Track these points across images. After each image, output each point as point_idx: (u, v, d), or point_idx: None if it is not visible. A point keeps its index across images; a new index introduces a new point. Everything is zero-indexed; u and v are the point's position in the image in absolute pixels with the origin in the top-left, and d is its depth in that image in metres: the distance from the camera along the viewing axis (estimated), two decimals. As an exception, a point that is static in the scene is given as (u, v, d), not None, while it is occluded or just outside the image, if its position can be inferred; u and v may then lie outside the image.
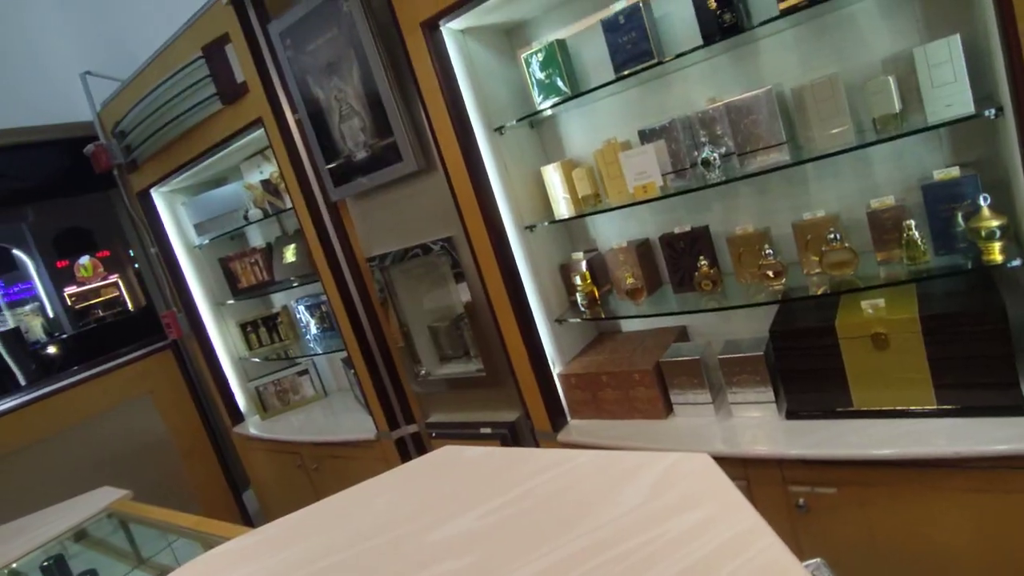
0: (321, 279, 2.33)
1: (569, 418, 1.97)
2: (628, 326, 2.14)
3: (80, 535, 1.85)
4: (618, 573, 0.64)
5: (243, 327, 3.10)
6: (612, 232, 2.05)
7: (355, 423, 2.60)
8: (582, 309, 1.91)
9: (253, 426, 3.06)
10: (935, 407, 1.38)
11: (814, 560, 0.69)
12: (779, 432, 1.54)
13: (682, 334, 1.99)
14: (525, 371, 1.92)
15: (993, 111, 1.23)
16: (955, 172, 1.38)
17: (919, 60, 1.31)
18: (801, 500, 1.47)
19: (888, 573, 1.41)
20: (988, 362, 1.31)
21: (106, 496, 1.96)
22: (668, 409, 1.80)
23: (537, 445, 1.99)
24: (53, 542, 1.76)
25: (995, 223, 1.28)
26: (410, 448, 2.40)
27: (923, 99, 1.32)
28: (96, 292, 5.81)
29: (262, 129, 2.22)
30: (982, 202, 1.29)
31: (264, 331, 3.11)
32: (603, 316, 1.93)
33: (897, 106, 1.38)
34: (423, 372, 2.29)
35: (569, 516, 0.77)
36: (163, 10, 2.77)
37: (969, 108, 1.28)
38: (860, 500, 1.40)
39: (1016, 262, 1.26)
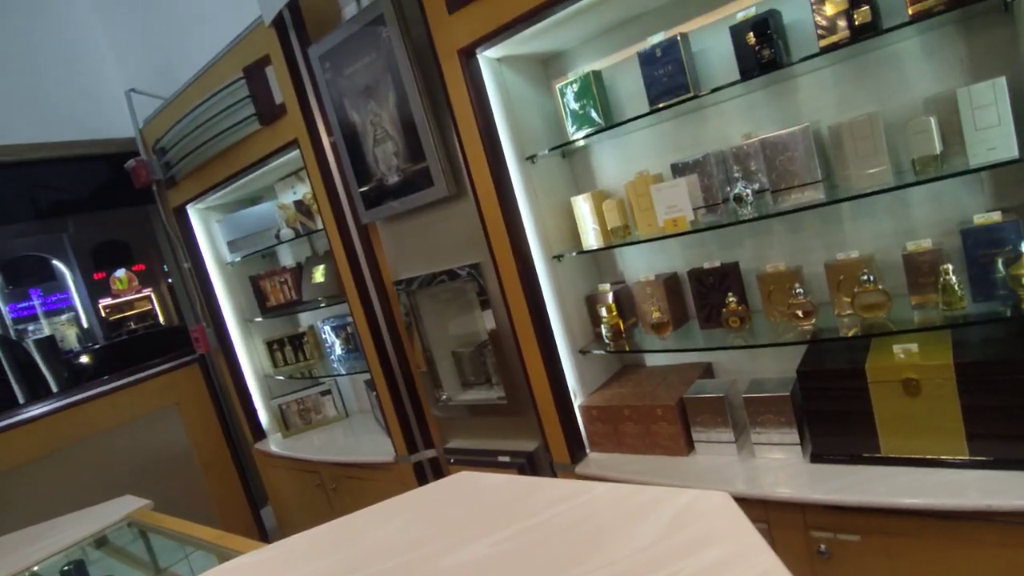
0: (348, 300, 2.36)
1: (588, 450, 1.93)
2: (652, 360, 2.11)
3: (101, 542, 1.87)
4: (638, 614, 0.62)
5: (269, 345, 3.15)
6: (640, 265, 2.04)
7: (375, 445, 2.59)
8: (606, 341, 1.90)
9: (274, 443, 3.08)
10: (967, 458, 1.33)
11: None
12: (803, 475, 1.49)
13: (707, 371, 1.95)
14: (546, 401, 1.90)
15: (1039, 157, 1.20)
16: (996, 217, 1.34)
17: (962, 101, 1.30)
18: (823, 546, 1.42)
19: (924, 634, 1.33)
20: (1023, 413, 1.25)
21: (127, 505, 1.98)
22: (690, 446, 1.75)
23: (555, 476, 1.95)
24: (74, 547, 1.78)
25: (1038, 271, 1.24)
26: (427, 473, 2.38)
27: (965, 141, 1.30)
28: (130, 305, 5.99)
29: (297, 150, 2.30)
30: (1025, 248, 1.25)
31: (290, 350, 3.15)
32: (627, 349, 1.91)
33: (938, 147, 1.36)
34: (444, 397, 2.29)
35: (584, 548, 0.76)
36: (207, 31, 2.91)
37: (1013, 152, 1.25)
38: (885, 550, 1.34)
39: None
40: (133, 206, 3.83)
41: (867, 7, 1.34)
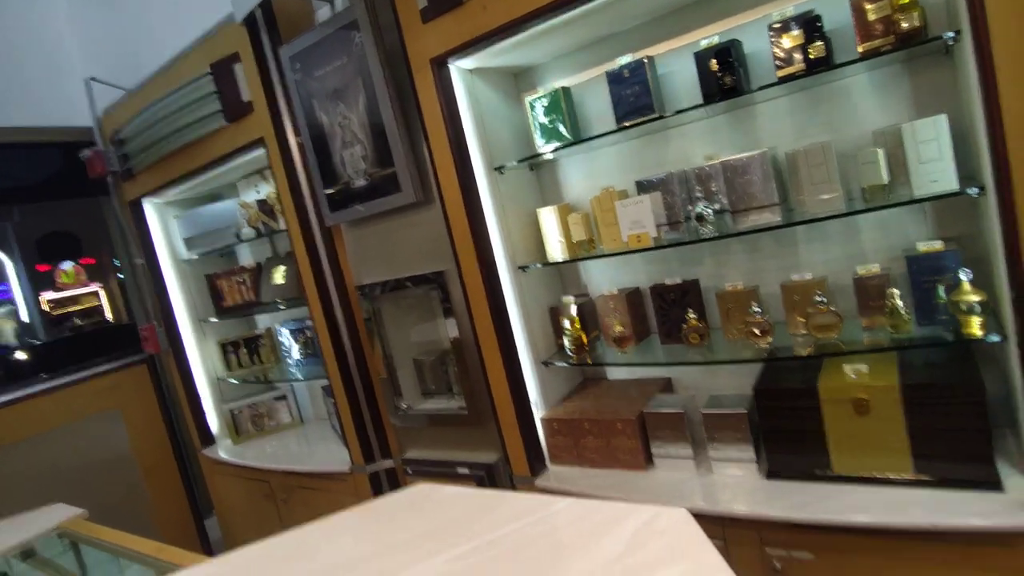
0: (308, 303, 2.31)
1: (549, 463, 1.93)
2: (614, 374, 2.13)
3: (27, 553, 1.75)
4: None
5: (223, 346, 3.04)
6: (604, 278, 2.07)
7: (329, 454, 2.53)
8: (569, 353, 1.91)
9: (223, 450, 2.96)
10: (913, 477, 1.38)
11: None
12: (759, 492, 1.52)
13: (667, 386, 1.98)
14: (507, 412, 1.90)
15: (976, 190, 1.27)
16: (938, 245, 1.42)
17: (907, 136, 1.37)
18: (777, 563, 1.44)
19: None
20: (965, 435, 1.31)
21: (58, 513, 1.87)
22: (649, 461, 1.77)
23: (515, 489, 1.94)
24: (-3, 559, 1.67)
25: (975, 298, 1.31)
26: (384, 484, 2.33)
27: (910, 173, 1.37)
28: (76, 300, 5.68)
29: (263, 149, 2.24)
30: (963, 276, 1.32)
31: (245, 352, 3.05)
32: (590, 362, 1.92)
33: (885, 177, 1.43)
34: (404, 406, 2.25)
35: (543, 565, 0.75)
36: (175, 23, 2.82)
37: (953, 185, 1.32)
38: (837, 567, 1.38)
39: (995, 338, 1.28)
40: (86, 197, 3.66)
41: (821, 43, 1.41)
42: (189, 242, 2.96)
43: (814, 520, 1.37)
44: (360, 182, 2.03)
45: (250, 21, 2.10)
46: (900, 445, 1.38)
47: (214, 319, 3.01)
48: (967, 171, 1.40)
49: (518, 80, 2.05)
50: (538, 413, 1.93)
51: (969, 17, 1.14)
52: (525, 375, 1.90)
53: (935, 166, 1.35)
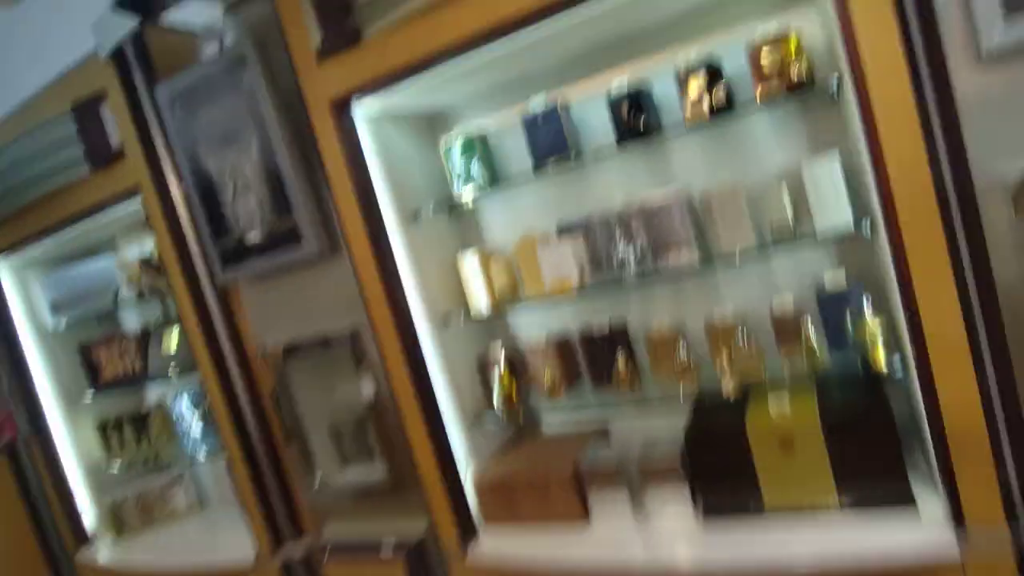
0: (201, 371, 2.04)
1: (482, 526, 1.78)
2: (549, 423, 2.04)
3: None
4: None
5: (103, 428, 2.63)
6: (534, 323, 1.99)
7: (235, 542, 2.20)
8: (498, 410, 1.79)
9: (105, 549, 2.53)
10: (838, 502, 1.40)
11: None
12: (696, 536, 1.50)
13: (604, 433, 1.91)
14: (433, 478, 1.74)
15: (868, 228, 1.33)
16: (841, 280, 1.48)
17: (805, 174, 1.43)
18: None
19: None
20: (880, 460, 1.36)
21: None
22: (587, 515, 1.68)
23: (445, 565, 1.77)
24: None
25: (876, 329, 1.36)
26: None
27: (811, 211, 1.43)
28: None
29: (139, 199, 1.99)
30: (866, 305, 1.37)
31: (131, 432, 2.64)
32: (520, 419, 1.82)
33: (790, 215, 1.47)
34: (319, 479, 2.01)
35: None
36: (43, 58, 2.50)
37: (848, 223, 1.38)
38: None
39: (898, 374, 1.35)
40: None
41: (722, 92, 1.47)
42: (55, 307, 2.57)
43: (750, 569, 1.35)
44: (256, 233, 1.84)
45: (119, 56, 1.88)
46: (824, 475, 1.40)
47: (88, 398, 2.60)
48: (863, 207, 1.48)
49: (433, 122, 1.97)
50: (467, 474, 1.79)
51: (848, 62, 1.19)
52: (451, 435, 1.76)
53: (832, 204, 1.41)
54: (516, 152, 1.83)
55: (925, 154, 1.13)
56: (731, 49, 1.53)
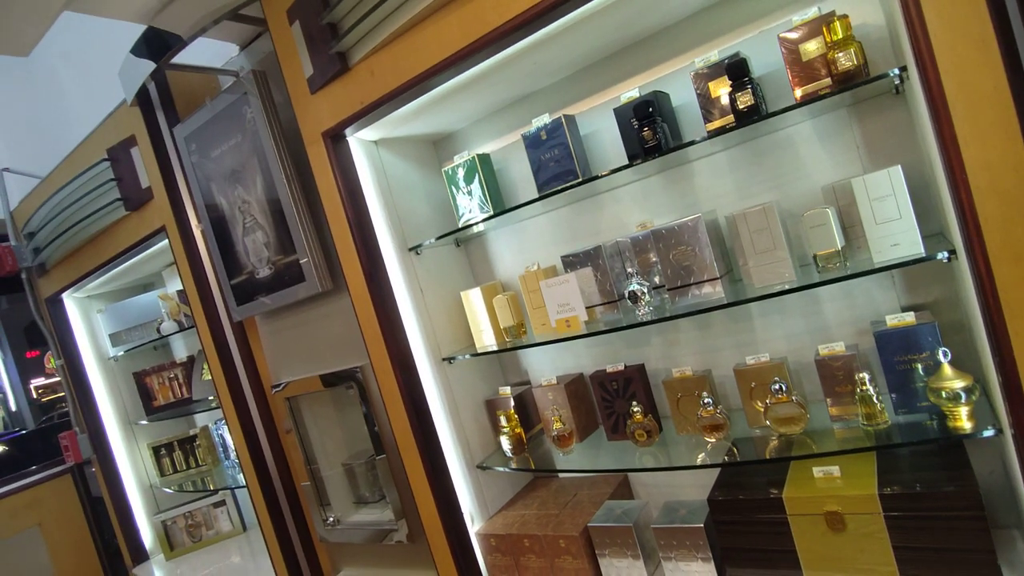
0: (221, 405, 2.05)
1: (491, 588, 1.63)
2: (565, 461, 1.85)
3: None
4: None
5: (156, 450, 2.76)
6: (545, 362, 1.82)
7: (265, 568, 2.20)
8: (507, 455, 1.64)
9: (157, 567, 2.63)
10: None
11: None
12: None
13: (623, 483, 1.70)
14: (435, 529, 1.61)
15: (946, 255, 1.05)
16: (910, 319, 1.18)
17: (859, 192, 1.16)
18: None
19: None
20: (962, 552, 1.06)
21: None
22: (601, 581, 1.48)
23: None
24: None
25: (959, 384, 1.07)
26: (315, 613, 2.01)
27: (867, 235, 1.15)
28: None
29: (167, 239, 2.04)
30: (942, 358, 1.09)
31: (180, 455, 2.76)
32: (531, 466, 1.65)
33: (839, 242, 1.21)
34: (331, 519, 1.96)
35: None
36: (89, 105, 2.68)
37: (918, 249, 1.10)
38: None
39: (989, 432, 1.03)
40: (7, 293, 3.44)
41: (749, 90, 1.22)
42: (114, 338, 2.73)
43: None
44: (264, 271, 1.82)
45: (144, 99, 1.94)
46: (884, 562, 1.12)
47: (144, 421, 2.74)
48: (935, 227, 1.19)
49: (437, 149, 1.87)
50: (474, 526, 1.65)
51: (913, 50, 0.94)
52: (456, 483, 1.63)
53: (895, 227, 1.13)
54: (523, 176, 1.69)
55: None
56: (761, 46, 1.30)
